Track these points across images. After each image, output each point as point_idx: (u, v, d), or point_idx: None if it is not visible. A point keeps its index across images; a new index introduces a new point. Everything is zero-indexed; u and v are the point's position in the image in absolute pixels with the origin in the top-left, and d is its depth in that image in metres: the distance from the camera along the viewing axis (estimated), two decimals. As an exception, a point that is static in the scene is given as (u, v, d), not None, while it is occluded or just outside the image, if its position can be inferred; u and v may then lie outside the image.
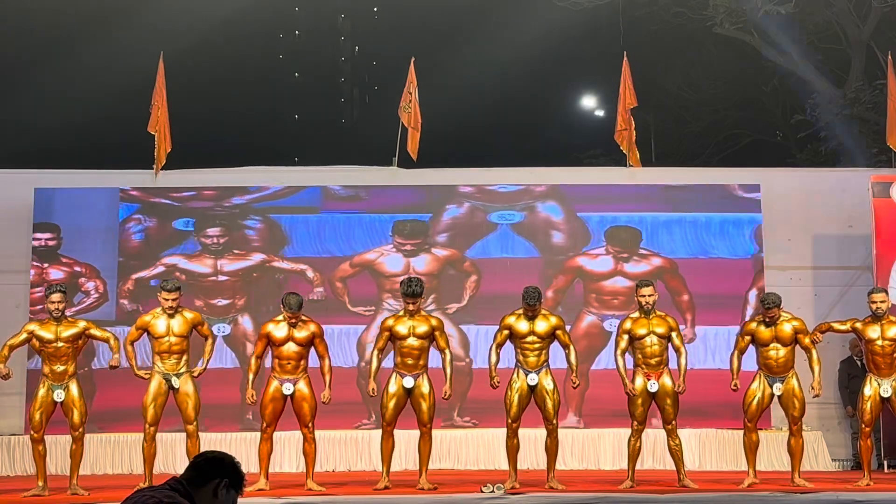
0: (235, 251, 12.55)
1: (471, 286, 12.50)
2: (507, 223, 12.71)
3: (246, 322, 12.40)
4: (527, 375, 9.44)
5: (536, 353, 9.48)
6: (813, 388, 9.48)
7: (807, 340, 9.59)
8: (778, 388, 9.56)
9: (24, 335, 9.50)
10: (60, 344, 9.38)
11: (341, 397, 10.66)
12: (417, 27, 24.94)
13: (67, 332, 9.42)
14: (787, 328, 9.59)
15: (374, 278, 12.52)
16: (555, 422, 9.45)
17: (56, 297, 9.43)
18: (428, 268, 12.50)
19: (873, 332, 9.74)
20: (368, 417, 12.10)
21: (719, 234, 12.69)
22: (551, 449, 9.43)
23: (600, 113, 24.61)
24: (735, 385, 9.64)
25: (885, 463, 11.87)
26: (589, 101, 25.51)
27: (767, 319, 9.58)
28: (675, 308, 12.10)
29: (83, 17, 22.08)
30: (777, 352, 9.57)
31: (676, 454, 9.52)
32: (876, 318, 9.76)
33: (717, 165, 19.17)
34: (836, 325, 9.98)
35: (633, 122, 13.33)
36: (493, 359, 9.55)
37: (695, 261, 12.60)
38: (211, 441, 11.23)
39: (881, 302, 9.78)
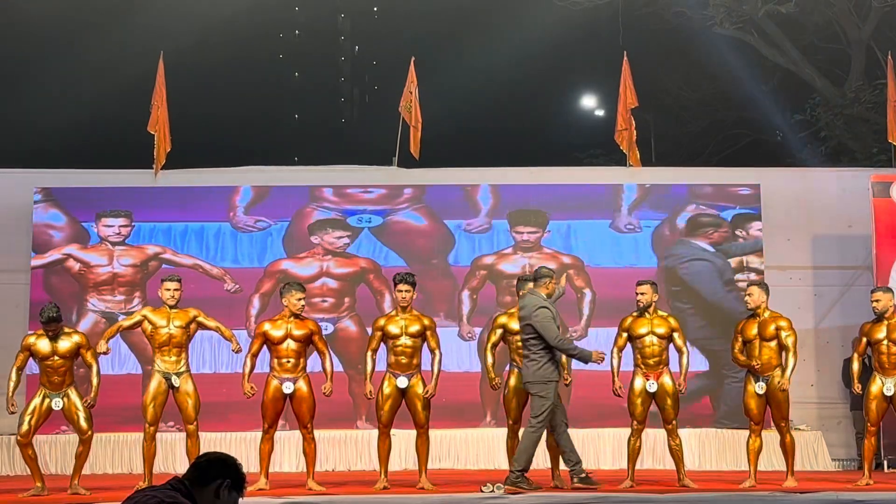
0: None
1: None
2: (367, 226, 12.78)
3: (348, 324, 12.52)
4: (521, 374, 9.40)
5: None
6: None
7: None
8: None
9: (25, 353, 9.44)
10: (57, 359, 9.37)
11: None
12: (417, 27, 24.94)
13: (63, 347, 9.37)
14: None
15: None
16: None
17: (52, 326, 9.30)
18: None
19: (880, 332, 9.75)
20: (359, 419, 12.13)
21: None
22: (553, 448, 9.42)
23: (600, 113, 24.62)
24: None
25: (886, 463, 11.88)
26: (589, 101, 25.52)
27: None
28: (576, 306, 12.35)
29: (83, 17, 22.08)
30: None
31: (677, 454, 9.51)
32: (880, 318, 9.75)
33: (717, 165, 19.17)
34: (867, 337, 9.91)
35: (634, 122, 13.33)
36: (490, 359, 9.54)
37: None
38: (211, 441, 11.23)
39: (875, 301, 9.79)
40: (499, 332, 9.58)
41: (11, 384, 9.39)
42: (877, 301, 9.77)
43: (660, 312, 9.68)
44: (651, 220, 12.86)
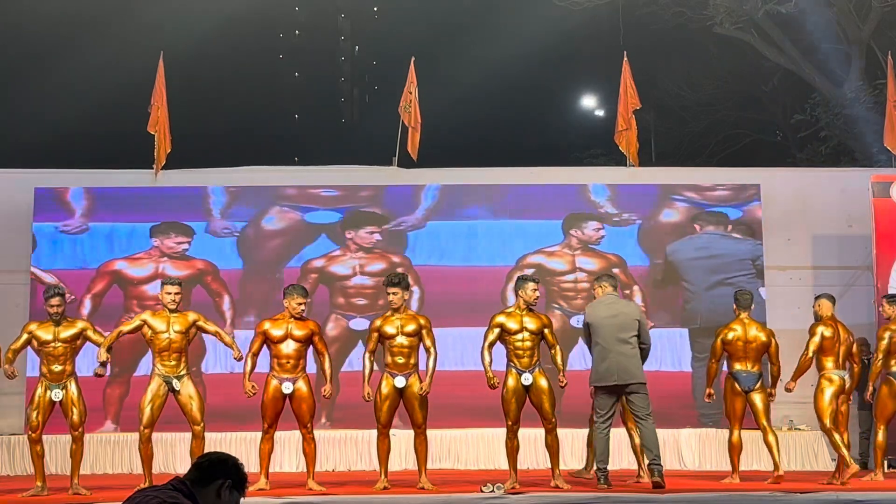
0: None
1: None
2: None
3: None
4: (520, 375, 9.42)
5: (529, 352, 9.42)
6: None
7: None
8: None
9: (25, 336, 9.50)
10: (58, 344, 9.38)
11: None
12: (417, 27, 24.97)
13: (66, 332, 9.42)
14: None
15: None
16: (554, 420, 9.42)
17: (55, 300, 9.42)
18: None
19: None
20: (319, 419, 12.09)
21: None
22: (553, 447, 9.42)
23: (600, 113, 24.64)
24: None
25: (886, 462, 11.85)
26: (589, 101, 25.54)
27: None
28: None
29: (83, 17, 22.10)
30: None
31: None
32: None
33: (717, 165, 19.18)
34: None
35: (635, 122, 13.33)
36: (487, 359, 9.44)
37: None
38: (210, 441, 11.20)
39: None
40: (496, 331, 9.51)
41: (7, 358, 9.36)
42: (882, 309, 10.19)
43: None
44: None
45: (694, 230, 12.82)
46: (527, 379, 9.33)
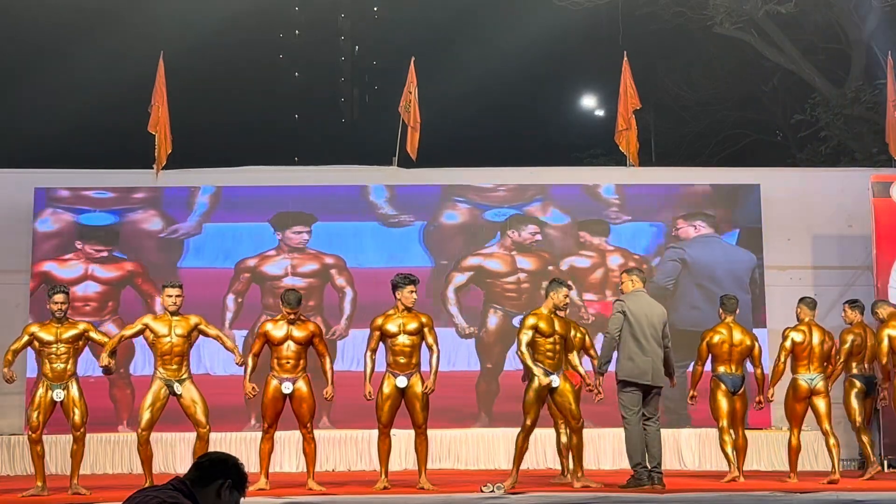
0: None
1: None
2: None
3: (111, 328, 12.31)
4: (549, 376, 9.24)
5: (558, 355, 9.29)
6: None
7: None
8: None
9: (26, 337, 9.49)
10: (61, 345, 9.38)
11: (223, 402, 11.04)
12: (417, 27, 24.97)
13: (68, 333, 9.42)
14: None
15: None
16: (581, 420, 9.35)
17: (59, 297, 9.43)
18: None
19: None
20: (249, 420, 12.08)
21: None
22: (579, 447, 9.37)
23: (600, 113, 24.62)
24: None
25: (886, 462, 11.87)
26: (589, 101, 25.53)
27: None
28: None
29: (83, 17, 22.09)
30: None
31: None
32: None
33: (717, 165, 19.17)
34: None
35: (635, 122, 13.33)
36: (529, 359, 9.23)
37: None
38: (211, 440, 11.20)
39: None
40: (530, 333, 9.26)
41: (6, 360, 9.36)
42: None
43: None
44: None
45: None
46: (556, 381, 9.25)
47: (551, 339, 9.25)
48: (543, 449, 11.63)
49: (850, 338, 10.37)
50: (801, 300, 10.21)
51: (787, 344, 9.88)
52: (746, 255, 12.76)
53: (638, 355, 9.18)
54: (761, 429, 12.07)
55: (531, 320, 9.30)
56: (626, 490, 8.95)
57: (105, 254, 12.56)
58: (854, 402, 10.44)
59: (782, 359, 9.91)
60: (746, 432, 10.24)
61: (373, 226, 12.77)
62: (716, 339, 10.05)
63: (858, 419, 10.34)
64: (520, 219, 12.83)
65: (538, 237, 12.79)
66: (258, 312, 12.28)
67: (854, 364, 10.43)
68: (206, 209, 12.73)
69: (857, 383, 10.45)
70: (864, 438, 10.24)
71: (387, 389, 9.38)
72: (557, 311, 9.37)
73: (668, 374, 9.39)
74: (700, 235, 12.80)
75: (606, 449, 11.97)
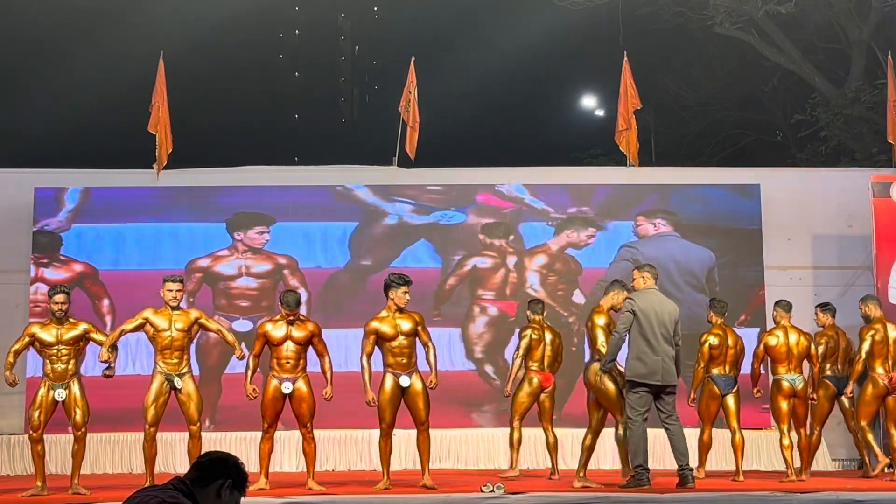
0: None
1: None
2: None
3: None
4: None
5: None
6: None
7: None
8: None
9: (27, 338, 9.48)
10: (62, 347, 9.38)
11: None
12: (417, 27, 24.95)
13: (69, 334, 9.42)
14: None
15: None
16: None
17: (60, 297, 9.42)
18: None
19: None
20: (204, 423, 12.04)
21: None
22: (591, 448, 9.58)
23: (600, 113, 24.62)
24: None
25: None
26: (589, 101, 25.52)
27: None
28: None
29: (83, 17, 22.09)
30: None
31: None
32: None
33: (717, 165, 19.17)
34: None
35: (635, 122, 13.33)
36: (614, 353, 9.31)
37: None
38: (210, 441, 11.22)
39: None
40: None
41: (7, 363, 9.35)
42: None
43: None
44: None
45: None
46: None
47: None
48: (544, 449, 11.60)
49: (823, 340, 10.47)
50: (777, 303, 10.31)
51: (760, 349, 10.06)
52: (704, 253, 12.70)
53: (647, 355, 9.04)
54: (761, 429, 12.07)
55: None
56: (626, 490, 8.94)
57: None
58: (846, 403, 10.62)
59: (755, 364, 10.11)
60: (745, 432, 10.36)
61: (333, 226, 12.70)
62: (716, 341, 10.23)
63: (863, 421, 10.30)
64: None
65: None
66: (209, 313, 12.19)
67: (827, 366, 10.50)
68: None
69: (830, 385, 10.51)
70: (869, 437, 10.25)
71: (389, 390, 9.36)
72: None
73: None
74: (658, 234, 12.78)
75: (607, 449, 11.95)
